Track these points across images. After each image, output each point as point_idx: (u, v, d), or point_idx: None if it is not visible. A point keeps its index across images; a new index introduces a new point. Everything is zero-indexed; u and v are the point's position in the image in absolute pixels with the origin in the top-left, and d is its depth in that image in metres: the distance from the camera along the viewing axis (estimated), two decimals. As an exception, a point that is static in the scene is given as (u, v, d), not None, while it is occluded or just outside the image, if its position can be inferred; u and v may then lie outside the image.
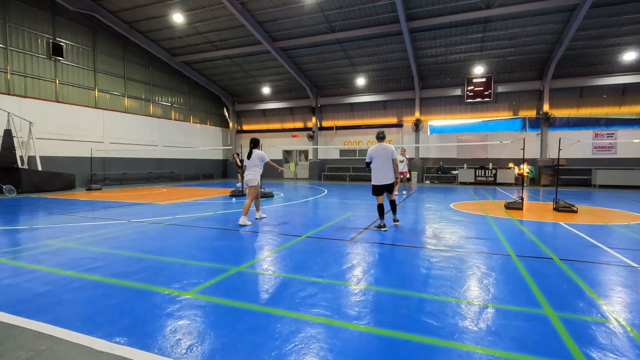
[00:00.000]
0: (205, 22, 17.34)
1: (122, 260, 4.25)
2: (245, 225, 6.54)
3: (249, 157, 7.03)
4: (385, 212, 6.33)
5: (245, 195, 12.07)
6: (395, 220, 6.67)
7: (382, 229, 6.01)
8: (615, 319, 2.68)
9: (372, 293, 3.22)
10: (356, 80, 21.79)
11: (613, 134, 18.36)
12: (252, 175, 6.93)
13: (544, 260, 4.31)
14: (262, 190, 11.79)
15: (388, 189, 6.25)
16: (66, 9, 15.75)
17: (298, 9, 15.89)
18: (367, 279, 3.61)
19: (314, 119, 23.90)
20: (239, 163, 16.14)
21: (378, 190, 6.20)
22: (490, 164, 19.25)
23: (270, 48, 18.31)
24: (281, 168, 7.76)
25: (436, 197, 12.40)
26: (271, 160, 7.38)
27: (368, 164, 6.26)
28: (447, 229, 6.28)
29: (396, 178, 6.22)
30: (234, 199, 11.41)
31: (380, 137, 6.24)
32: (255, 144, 7.16)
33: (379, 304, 2.98)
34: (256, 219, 7.23)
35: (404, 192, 13.39)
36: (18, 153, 13.12)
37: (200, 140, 24.26)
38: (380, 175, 6.07)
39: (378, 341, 2.35)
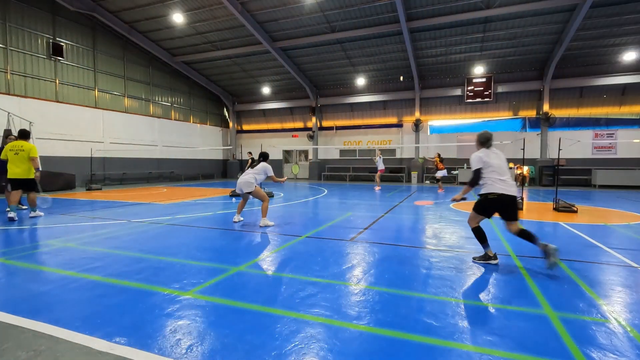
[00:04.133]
0: (205, 22, 17.34)
1: (122, 260, 4.25)
2: (268, 226, 6.46)
3: (253, 166, 6.96)
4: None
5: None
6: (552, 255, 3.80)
7: (493, 262, 4.15)
8: (615, 319, 2.68)
9: (372, 293, 3.22)
10: (356, 80, 21.79)
11: (613, 134, 18.36)
12: (251, 179, 6.66)
13: (544, 260, 4.30)
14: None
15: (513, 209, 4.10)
16: (66, 9, 15.74)
17: (298, 9, 15.89)
18: (367, 279, 3.61)
19: (314, 119, 23.90)
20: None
21: (497, 207, 4.11)
22: (490, 164, 19.22)
23: (270, 48, 18.31)
24: (284, 179, 7.58)
25: (436, 197, 12.40)
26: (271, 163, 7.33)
27: (479, 175, 4.15)
28: (447, 229, 6.28)
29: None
30: (233, 199, 11.41)
31: (489, 143, 4.43)
32: (265, 158, 7.10)
33: (379, 304, 2.98)
34: (234, 221, 6.99)
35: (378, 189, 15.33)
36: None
37: (200, 140, 24.26)
38: (505, 186, 4.03)
39: (378, 341, 2.35)
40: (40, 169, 7.49)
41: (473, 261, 4.29)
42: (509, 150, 19.42)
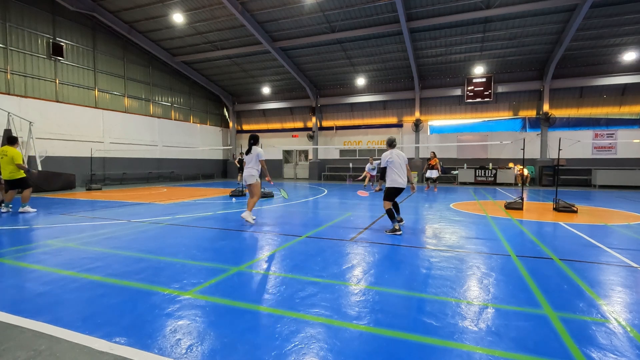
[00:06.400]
0: (205, 22, 17.34)
1: (122, 260, 4.25)
2: (247, 222, 6.53)
3: (247, 153, 6.75)
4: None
5: (245, 195, 12.06)
6: (399, 220, 6.57)
7: (397, 233, 5.81)
8: (615, 319, 2.68)
9: (372, 293, 3.22)
10: (356, 80, 21.79)
11: (613, 134, 18.36)
12: (253, 171, 6.68)
13: (544, 260, 4.31)
14: (263, 190, 11.76)
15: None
16: (66, 9, 15.74)
17: (298, 9, 15.89)
18: (367, 279, 3.61)
19: (314, 119, 23.90)
20: (238, 164, 16.38)
21: (395, 194, 6.15)
22: (490, 164, 19.25)
23: (270, 48, 18.31)
24: (269, 179, 6.99)
25: (436, 197, 12.40)
26: (265, 161, 6.88)
27: (384, 169, 6.22)
28: (447, 229, 6.28)
29: (410, 182, 6.38)
30: (234, 199, 11.41)
31: (394, 144, 6.31)
32: (255, 140, 6.83)
33: (378, 304, 2.98)
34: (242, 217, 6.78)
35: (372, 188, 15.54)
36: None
37: (200, 140, 24.26)
38: (399, 180, 6.12)
39: (378, 341, 2.35)
40: (30, 168, 8.13)
41: (385, 233, 5.87)
42: (509, 150, 19.46)
